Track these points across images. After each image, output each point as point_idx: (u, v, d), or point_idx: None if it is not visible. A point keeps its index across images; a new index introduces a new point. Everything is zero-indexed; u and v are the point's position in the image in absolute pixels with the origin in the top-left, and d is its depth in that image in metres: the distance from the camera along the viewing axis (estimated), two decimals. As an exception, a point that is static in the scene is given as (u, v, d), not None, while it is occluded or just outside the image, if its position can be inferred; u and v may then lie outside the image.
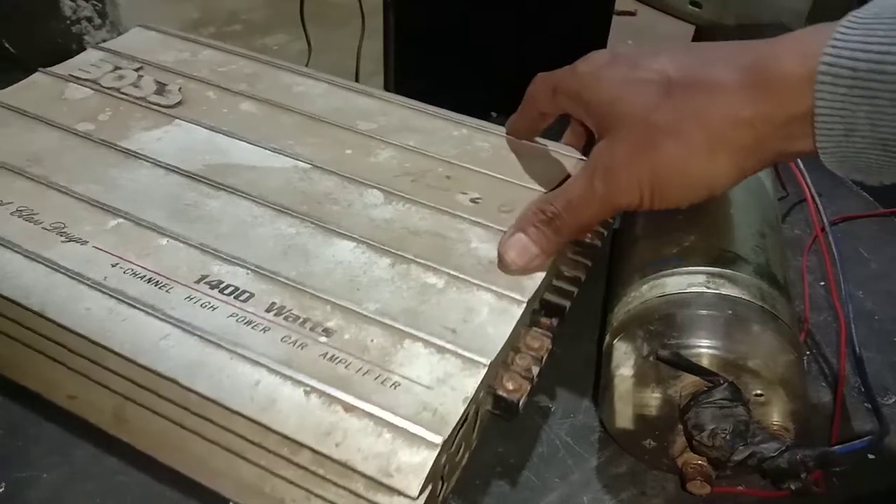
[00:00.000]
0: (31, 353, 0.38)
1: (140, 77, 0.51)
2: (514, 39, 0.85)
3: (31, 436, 0.40)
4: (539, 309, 0.40)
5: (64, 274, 0.36)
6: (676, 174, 0.33)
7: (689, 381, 0.35)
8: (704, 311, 0.36)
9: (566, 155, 0.46)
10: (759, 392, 0.35)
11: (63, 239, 0.38)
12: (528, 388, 0.35)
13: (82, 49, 0.54)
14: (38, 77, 0.51)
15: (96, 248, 0.38)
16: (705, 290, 0.37)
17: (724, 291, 0.37)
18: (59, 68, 0.53)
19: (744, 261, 0.39)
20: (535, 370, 0.36)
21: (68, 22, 0.62)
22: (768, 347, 0.35)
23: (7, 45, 0.57)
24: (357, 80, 1.02)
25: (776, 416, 0.35)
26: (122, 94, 0.50)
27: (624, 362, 0.37)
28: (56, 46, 0.64)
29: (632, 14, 2.22)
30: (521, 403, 0.34)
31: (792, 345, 0.36)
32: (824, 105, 0.29)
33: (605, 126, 0.36)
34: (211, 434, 0.34)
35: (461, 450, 0.35)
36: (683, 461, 0.36)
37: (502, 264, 0.38)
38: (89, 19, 0.62)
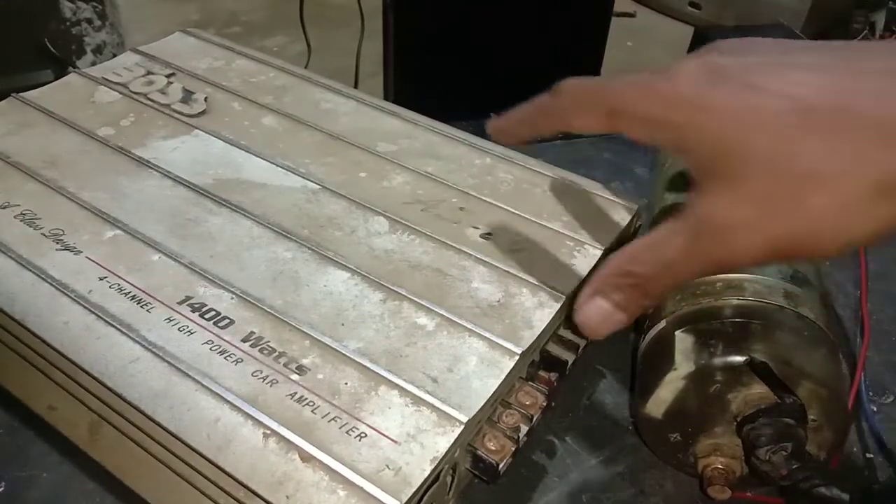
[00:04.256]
0: (15, 358, 0.37)
1: (169, 84, 0.51)
2: (514, 40, 0.84)
3: (31, 435, 0.39)
4: (539, 361, 0.37)
5: (50, 283, 0.36)
6: (828, 228, 0.26)
7: (756, 392, 0.34)
8: (784, 329, 0.36)
9: (593, 192, 0.43)
10: (813, 418, 0.34)
11: (58, 247, 0.38)
12: (513, 450, 0.32)
13: (82, 51, 0.54)
14: (72, 78, 0.51)
15: (88, 258, 0.37)
16: (786, 306, 0.36)
17: (802, 311, 0.36)
18: (94, 70, 0.53)
19: (811, 285, 0.39)
20: (524, 430, 0.33)
21: (68, 23, 0.62)
22: (833, 379, 0.35)
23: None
24: (356, 81, 1.01)
25: (816, 443, 0.35)
26: (149, 99, 0.49)
27: (687, 355, 0.35)
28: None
29: (631, 15, 2.19)
30: (501, 467, 0.32)
31: (847, 384, 0.36)
32: None
33: (716, 169, 0.28)
34: (175, 465, 0.32)
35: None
36: (705, 464, 0.36)
37: (583, 331, 0.32)
38: (89, 21, 0.62)
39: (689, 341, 0.36)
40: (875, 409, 0.44)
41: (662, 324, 0.38)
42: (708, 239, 0.28)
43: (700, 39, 0.82)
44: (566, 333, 0.38)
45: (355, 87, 0.65)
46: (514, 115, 0.36)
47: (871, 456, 0.41)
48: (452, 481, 0.33)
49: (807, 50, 0.28)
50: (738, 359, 0.34)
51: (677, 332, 0.36)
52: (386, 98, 0.86)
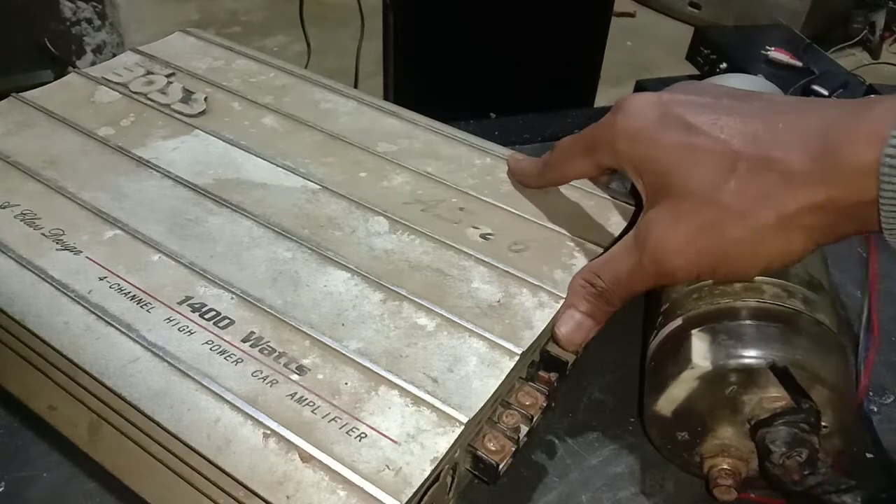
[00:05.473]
0: (15, 358, 0.37)
1: (169, 83, 0.51)
2: (514, 40, 0.84)
3: (31, 436, 0.39)
4: (539, 361, 0.37)
5: (50, 283, 0.36)
6: (745, 255, 0.32)
7: (773, 395, 0.34)
8: (801, 334, 0.35)
9: (591, 193, 0.43)
10: (825, 424, 0.34)
11: (58, 247, 0.38)
12: (513, 450, 0.32)
13: (82, 50, 0.53)
14: (71, 78, 0.51)
15: (88, 258, 0.37)
16: (804, 311, 0.36)
17: (818, 317, 0.36)
18: (93, 70, 0.53)
19: (825, 291, 0.39)
20: (524, 430, 0.33)
21: (68, 23, 0.62)
22: (845, 386, 0.35)
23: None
24: (356, 81, 1.01)
25: (824, 449, 0.35)
26: (149, 99, 0.49)
27: (704, 354, 0.35)
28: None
29: (631, 15, 2.20)
30: (501, 468, 0.32)
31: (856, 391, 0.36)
32: (889, 189, 0.27)
33: (660, 193, 0.34)
34: (174, 465, 0.32)
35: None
36: (711, 464, 0.36)
37: (561, 343, 0.36)
38: (89, 21, 0.62)
39: (707, 341, 0.36)
40: (875, 409, 0.44)
41: (679, 321, 0.37)
42: (649, 256, 0.33)
43: (700, 39, 0.82)
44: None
45: (355, 87, 0.65)
46: (527, 167, 0.44)
47: (871, 456, 0.41)
48: (452, 481, 0.33)
49: (739, 98, 0.34)
50: (756, 361, 0.34)
51: (694, 331, 0.36)
52: (386, 98, 0.86)
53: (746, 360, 0.34)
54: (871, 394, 0.44)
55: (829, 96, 0.67)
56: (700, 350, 0.35)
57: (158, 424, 0.31)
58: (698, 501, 0.38)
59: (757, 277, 0.37)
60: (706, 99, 0.34)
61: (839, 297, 0.50)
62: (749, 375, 0.34)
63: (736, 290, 0.37)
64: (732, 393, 0.35)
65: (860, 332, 0.46)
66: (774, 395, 0.34)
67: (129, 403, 0.32)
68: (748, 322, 0.35)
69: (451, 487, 0.33)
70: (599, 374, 0.44)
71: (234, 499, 0.30)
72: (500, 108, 0.61)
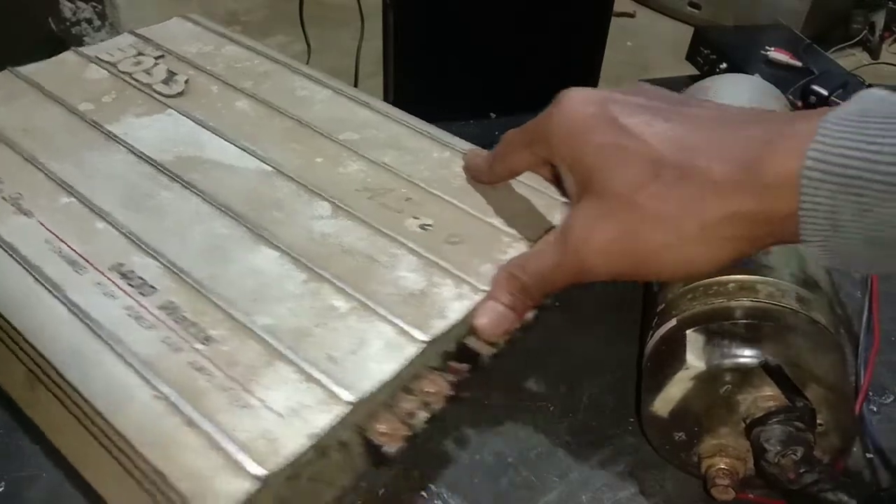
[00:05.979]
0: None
1: (156, 65, 0.53)
2: (514, 40, 0.84)
3: (31, 435, 0.41)
4: (454, 352, 0.37)
5: None
6: (667, 260, 0.32)
7: (767, 394, 0.34)
8: (796, 332, 0.36)
9: (542, 192, 0.43)
10: (820, 423, 0.35)
11: (13, 210, 0.40)
12: (404, 435, 0.32)
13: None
14: (67, 55, 0.54)
15: (39, 222, 0.39)
16: (799, 310, 0.36)
17: (814, 316, 0.36)
18: (89, 49, 0.55)
19: (822, 290, 0.39)
20: (421, 417, 0.33)
21: (68, 24, 0.64)
22: (842, 385, 0.35)
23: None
24: (356, 81, 1.02)
25: (821, 448, 0.35)
26: (133, 79, 0.51)
27: (698, 355, 0.35)
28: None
29: (631, 15, 2.17)
30: (388, 452, 0.32)
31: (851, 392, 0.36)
32: (808, 202, 0.27)
33: (586, 190, 0.34)
34: (87, 424, 0.34)
35: (321, 487, 0.33)
36: (709, 464, 0.36)
37: (480, 334, 0.36)
38: (89, 21, 0.64)
39: (701, 341, 0.36)
40: (875, 409, 0.43)
41: (673, 322, 0.37)
42: (572, 253, 0.33)
43: (700, 39, 0.80)
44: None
45: (355, 86, 0.66)
46: (479, 162, 0.43)
47: (871, 456, 0.40)
48: (348, 461, 0.33)
49: (677, 104, 0.33)
50: (751, 360, 0.34)
51: (689, 332, 0.36)
52: (386, 98, 0.87)
53: (740, 360, 0.34)
54: (871, 394, 0.44)
55: (828, 96, 0.65)
56: (694, 350, 0.35)
57: (69, 384, 0.32)
58: (698, 501, 0.38)
59: (752, 276, 0.37)
60: (642, 101, 0.33)
61: (838, 296, 0.49)
62: (743, 375, 0.34)
63: (730, 290, 0.37)
64: (727, 392, 0.35)
65: (861, 332, 0.46)
66: (768, 394, 0.34)
67: (48, 363, 0.33)
68: (742, 321, 0.36)
69: (343, 467, 0.33)
70: (599, 375, 0.44)
71: (128, 457, 0.31)
72: (500, 108, 0.61)
